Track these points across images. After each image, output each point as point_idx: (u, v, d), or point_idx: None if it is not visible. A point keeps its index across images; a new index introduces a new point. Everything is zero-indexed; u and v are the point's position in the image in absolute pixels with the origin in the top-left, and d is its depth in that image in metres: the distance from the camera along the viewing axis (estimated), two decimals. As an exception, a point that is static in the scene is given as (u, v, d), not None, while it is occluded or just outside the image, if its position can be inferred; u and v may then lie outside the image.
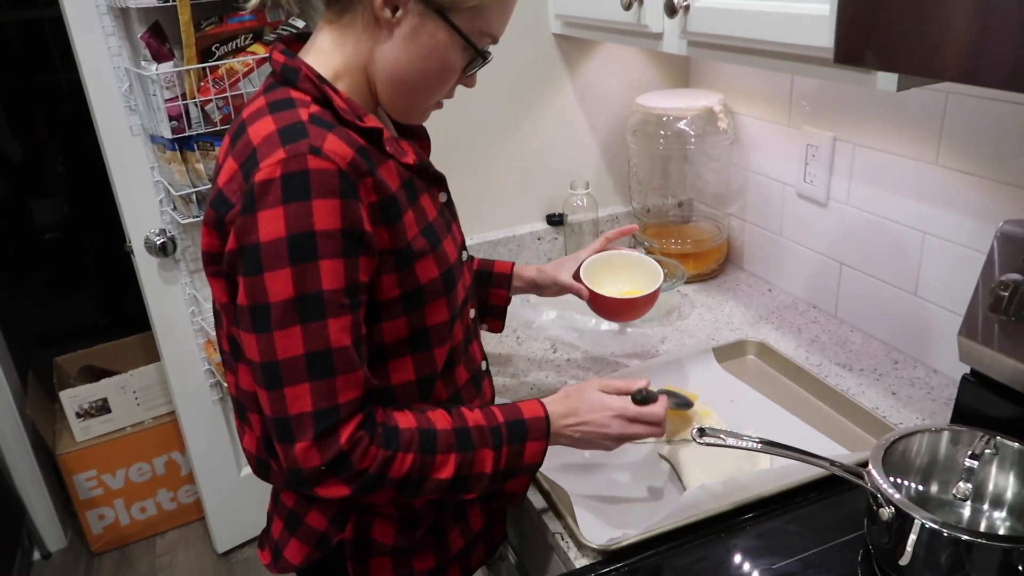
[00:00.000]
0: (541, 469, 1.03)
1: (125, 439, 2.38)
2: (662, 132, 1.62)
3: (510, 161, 1.67)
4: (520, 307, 1.54)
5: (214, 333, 2.11)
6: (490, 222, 1.69)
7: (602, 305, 1.22)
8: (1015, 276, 0.94)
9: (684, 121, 1.59)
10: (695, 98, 1.59)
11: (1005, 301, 0.94)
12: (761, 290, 1.59)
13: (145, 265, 1.99)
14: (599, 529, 0.97)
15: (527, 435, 0.89)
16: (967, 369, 1.05)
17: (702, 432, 0.90)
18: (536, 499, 1.04)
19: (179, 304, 2.07)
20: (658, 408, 0.97)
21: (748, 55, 1.07)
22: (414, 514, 0.95)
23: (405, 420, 0.83)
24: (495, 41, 0.89)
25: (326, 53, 0.86)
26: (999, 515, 0.89)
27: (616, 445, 0.97)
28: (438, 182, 0.94)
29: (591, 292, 1.20)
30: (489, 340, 1.46)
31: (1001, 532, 0.88)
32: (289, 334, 0.76)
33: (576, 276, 1.23)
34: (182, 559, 2.42)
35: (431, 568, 0.99)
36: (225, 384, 2.09)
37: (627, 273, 1.28)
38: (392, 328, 0.86)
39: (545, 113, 1.66)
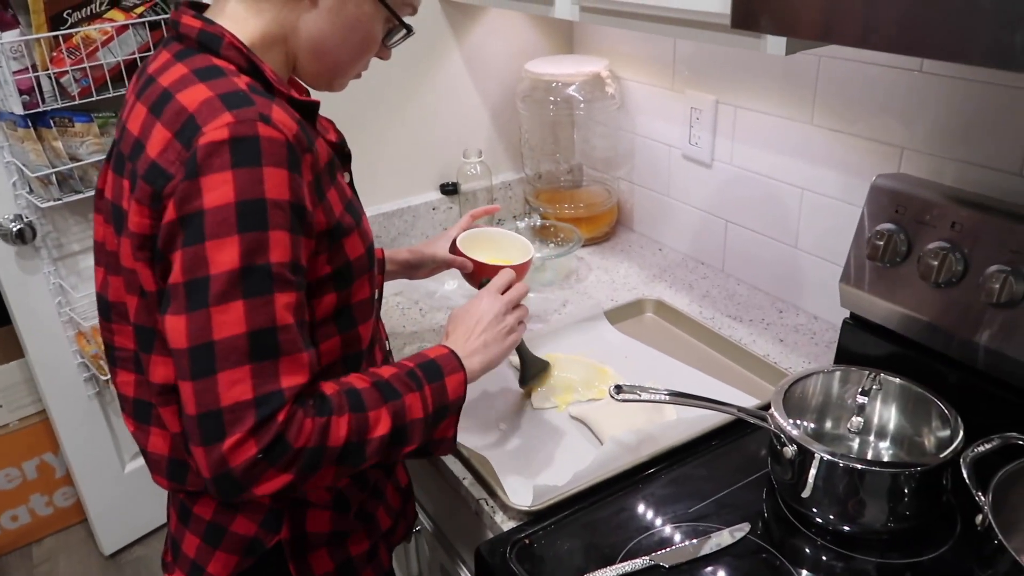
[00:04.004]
0: (461, 441, 1.03)
1: (-12, 444, 2.19)
2: (551, 98, 1.64)
3: (401, 132, 1.64)
4: (422, 280, 1.52)
5: (85, 324, 1.97)
6: (383, 194, 1.65)
7: (485, 275, 1.17)
8: (889, 226, 1.03)
9: (573, 87, 1.61)
10: (582, 64, 1.62)
11: (881, 249, 1.03)
12: (652, 250, 1.65)
13: (2, 254, 1.82)
14: (525, 492, 0.98)
15: (442, 371, 0.87)
16: (847, 313, 1.14)
17: (619, 389, 0.93)
18: (457, 468, 1.05)
19: (43, 295, 1.90)
20: (502, 274, 1.06)
21: (639, 20, 1.10)
22: (342, 496, 0.93)
23: (328, 387, 0.78)
24: (414, 11, 0.90)
25: (241, 21, 0.81)
26: (884, 445, 0.98)
27: (514, 324, 1.00)
28: (347, 161, 0.93)
29: (475, 262, 1.16)
30: (393, 315, 1.44)
31: (886, 459, 0.97)
32: (229, 309, 0.69)
33: (453, 251, 1.20)
34: (64, 566, 2.26)
35: (365, 551, 0.97)
36: (102, 377, 1.96)
37: (497, 248, 1.25)
38: (320, 306, 0.83)
39: (434, 82, 1.64)
